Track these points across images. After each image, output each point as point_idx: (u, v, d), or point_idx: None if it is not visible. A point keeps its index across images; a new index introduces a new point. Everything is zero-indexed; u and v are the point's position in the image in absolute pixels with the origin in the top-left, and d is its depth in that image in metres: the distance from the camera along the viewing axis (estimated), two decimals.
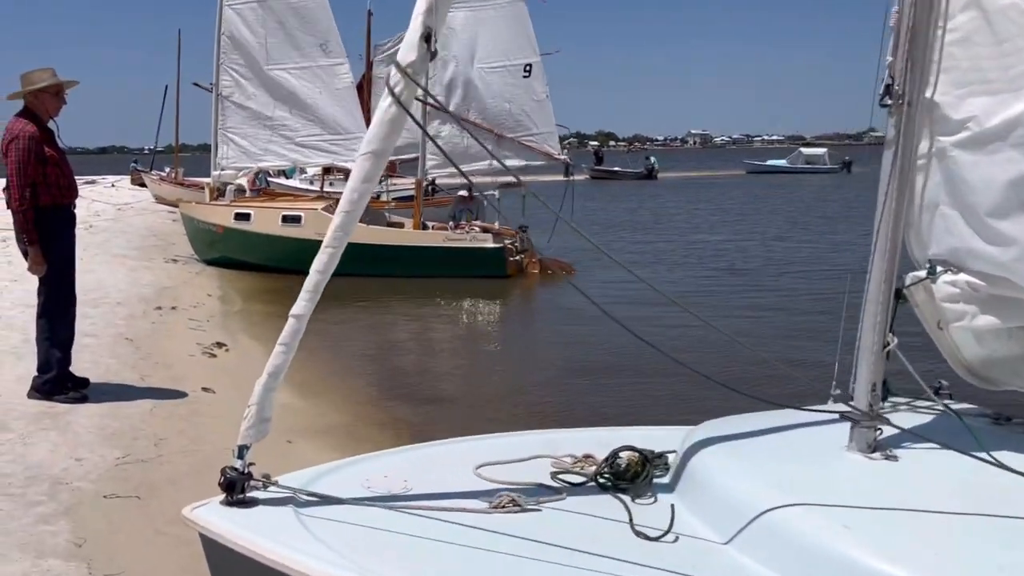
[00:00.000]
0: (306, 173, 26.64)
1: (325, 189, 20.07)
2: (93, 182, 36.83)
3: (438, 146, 2.65)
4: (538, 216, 14.93)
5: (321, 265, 2.29)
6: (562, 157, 15.10)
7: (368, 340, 9.83)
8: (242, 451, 2.33)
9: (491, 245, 13.83)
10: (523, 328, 11.49)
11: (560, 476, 2.73)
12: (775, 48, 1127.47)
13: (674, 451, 2.75)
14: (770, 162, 67.49)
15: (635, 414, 6.37)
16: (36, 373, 5.75)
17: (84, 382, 5.99)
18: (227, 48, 14.99)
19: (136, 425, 5.43)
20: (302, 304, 2.33)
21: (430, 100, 2.26)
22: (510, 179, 14.81)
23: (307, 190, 23.58)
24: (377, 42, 22.00)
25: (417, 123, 2.26)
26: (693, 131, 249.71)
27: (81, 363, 6.34)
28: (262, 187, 17.79)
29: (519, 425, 6.31)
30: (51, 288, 5.68)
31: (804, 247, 18.72)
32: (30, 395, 5.68)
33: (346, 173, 22.92)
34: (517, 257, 14.14)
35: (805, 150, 69.68)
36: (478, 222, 14.79)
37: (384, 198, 20.30)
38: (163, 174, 31.94)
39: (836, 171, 61.51)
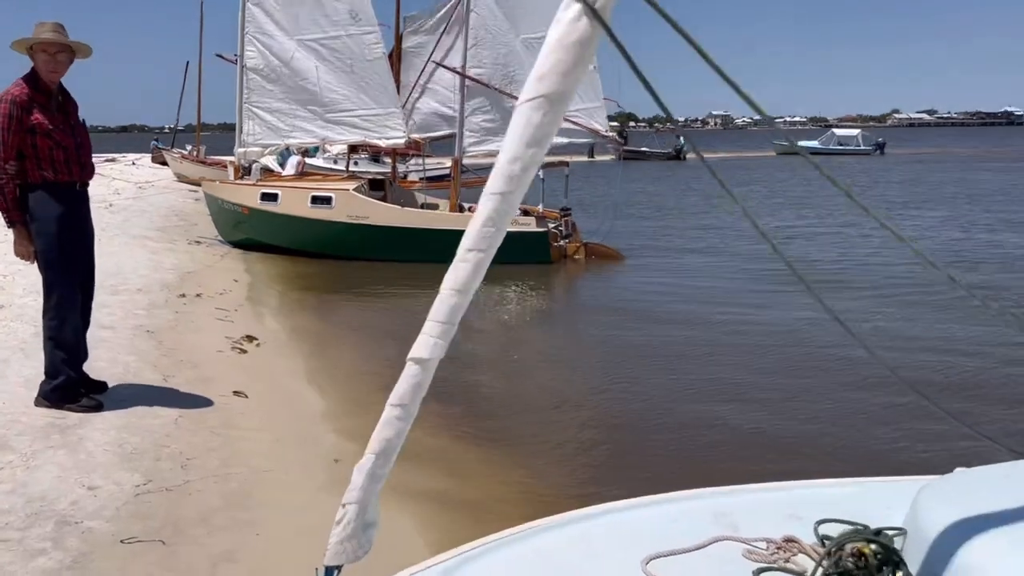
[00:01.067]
0: (329, 152, 25.80)
1: (350, 168, 19.22)
2: (113, 160, 36.43)
3: (659, 101, 1.31)
4: (580, 198, 14.05)
5: (460, 283, 1.34)
6: (610, 134, 14.09)
7: (402, 336, 8.93)
8: (331, 573, 1.48)
9: (534, 229, 12.86)
10: (587, 328, 9.80)
11: (765, 575, 1.93)
12: (796, 29, 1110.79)
13: (899, 529, 1.93)
14: (802, 143, 65.91)
15: (761, 449, 5.47)
16: (44, 377, 4.98)
17: (101, 387, 5.22)
18: (252, 17, 14.14)
19: (159, 441, 4.65)
20: (431, 342, 1.36)
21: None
22: (552, 159, 13.90)
23: (332, 169, 22.76)
24: (407, 14, 21.02)
25: (617, 43, 1.35)
26: (714, 112, 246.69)
27: (97, 361, 5.60)
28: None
29: (633, 460, 5.27)
30: (49, 281, 4.88)
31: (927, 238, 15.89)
32: (37, 402, 4.90)
33: (375, 151, 22.19)
34: (561, 242, 13.21)
35: (838, 131, 68.09)
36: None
37: (412, 177, 19.46)
38: (184, 152, 31.28)
39: (870, 153, 60.19)
